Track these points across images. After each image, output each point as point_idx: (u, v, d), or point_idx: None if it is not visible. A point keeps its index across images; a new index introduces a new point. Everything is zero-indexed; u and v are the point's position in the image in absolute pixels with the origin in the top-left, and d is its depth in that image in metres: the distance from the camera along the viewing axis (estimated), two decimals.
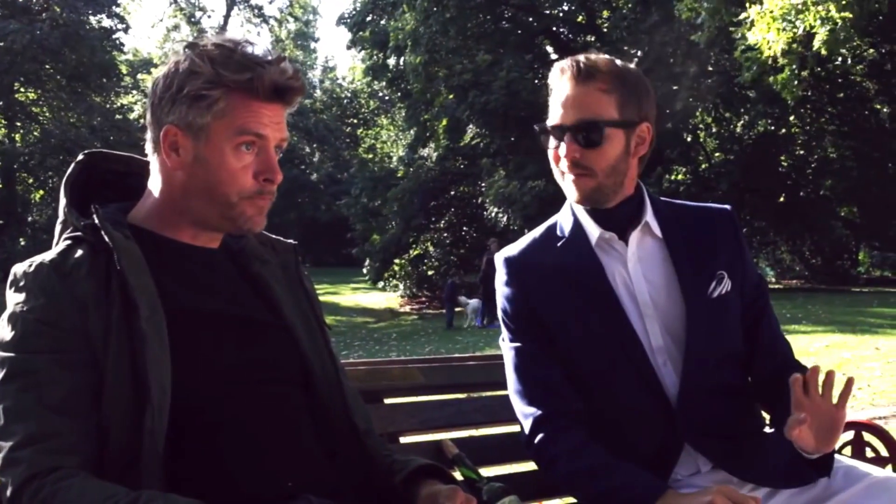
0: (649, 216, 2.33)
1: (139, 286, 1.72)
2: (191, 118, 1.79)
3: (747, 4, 16.39)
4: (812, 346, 12.11)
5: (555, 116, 2.26)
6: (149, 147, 1.88)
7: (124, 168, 2.03)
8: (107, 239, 1.75)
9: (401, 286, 32.60)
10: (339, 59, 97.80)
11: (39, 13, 34.53)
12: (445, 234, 34.63)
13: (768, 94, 23.06)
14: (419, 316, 28.78)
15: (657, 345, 2.28)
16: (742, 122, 30.17)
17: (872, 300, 21.70)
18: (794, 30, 15.46)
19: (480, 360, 2.95)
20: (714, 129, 31.93)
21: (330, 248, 45.46)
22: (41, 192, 36.54)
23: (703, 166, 30.30)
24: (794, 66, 16.71)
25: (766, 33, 15.88)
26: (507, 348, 2.39)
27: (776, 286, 30.00)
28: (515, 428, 2.85)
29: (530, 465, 2.94)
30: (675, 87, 26.24)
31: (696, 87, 26.68)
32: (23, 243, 32.10)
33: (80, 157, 1.98)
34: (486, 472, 2.49)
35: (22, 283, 1.73)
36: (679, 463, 2.27)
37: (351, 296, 36.03)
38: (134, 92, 43.41)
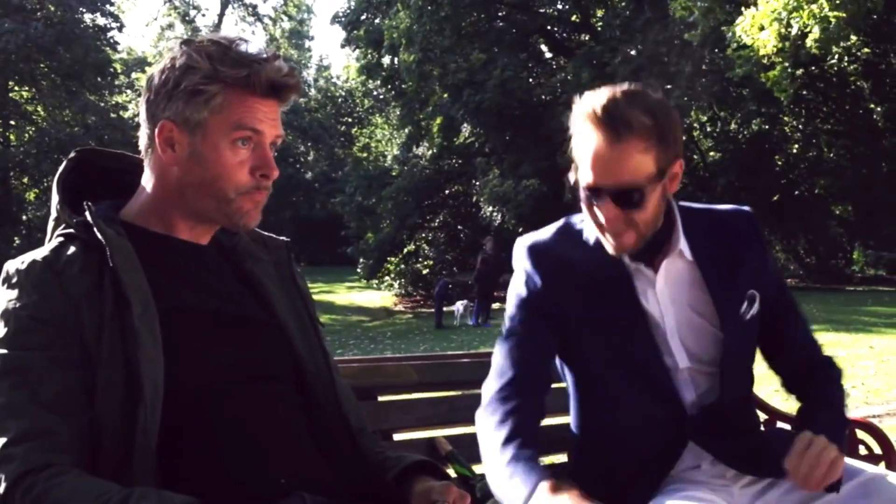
0: (682, 243, 2.25)
1: (132, 283, 1.72)
2: (187, 113, 1.79)
3: (742, 8, 16.43)
4: None
5: (587, 174, 2.12)
6: (142, 143, 1.88)
7: (117, 165, 2.03)
8: (99, 236, 1.75)
9: (395, 285, 32.53)
10: (333, 58, 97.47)
11: (34, 12, 34.45)
12: (440, 233, 34.62)
13: (762, 92, 23.06)
14: (414, 315, 28.75)
15: (683, 366, 2.25)
16: (736, 120, 30.18)
17: (867, 299, 21.73)
18: (789, 28, 15.48)
19: (474, 357, 2.95)
20: (709, 128, 31.95)
21: (324, 247, 45.35)
22: (36, 191, 36.45)
23: (699, 165, 30.31)
24: (786, 65, 16.74)
25: (759, 32, 15.91)
26: (505, 325, 2.30)
27: None
28: None
29: None
30: (668, 86, 26.25)
31: (691, 86, 26.67)
32: (17, 242, 32.03)
33: (73, 154, 1.98)
34: (480, 469, 2.49)
35: (15, 280, 1.73)
36: (681, 458, 2.28)
37: (345, 294, 35.97)
38: (128, 91, 43.35)
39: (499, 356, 2.24)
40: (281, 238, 2.16)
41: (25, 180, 36.46)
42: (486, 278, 22.75)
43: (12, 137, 36.00)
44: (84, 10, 36.38)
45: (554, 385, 2.90)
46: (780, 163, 30.79)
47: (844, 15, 15.07)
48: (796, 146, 31.27)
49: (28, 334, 1.67)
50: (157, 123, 1.82)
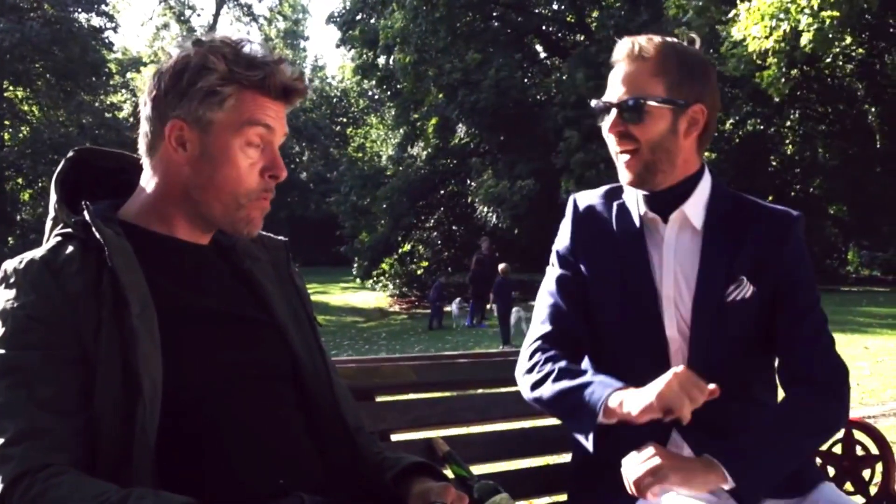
0: (690, 203, 2.32)
1: (130, 283, 1.71)
2: (200, 113, 1.80)
3: (738, 2, 16.45)
4: None
5: (607, 93, 2.31)
6: (144, 141, 1.88)
7: (115, 165, 2.03)
8: (98, 236, 1.74)
9: (390, 285, 32.56)
10: (328, 58, 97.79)
11: (29, 11, 34.40)
12: (435, 234, 34.65)
13: (757, 93, 23.11)
14: (409, 315, 28.76)
15: (671, 335, 2.29)
16: (732, 121, 30.23)
17: (861, 299, 21.79)
18: (780, 23, 15.50)
19: (471, 357, 2.95)
20: None
21: (319, 247, 45.29)
22: (30, 191, 36.40)
23: None
24: (781, 64, 16.76)
25: (750, 28, 15.94)
26: (548, 274, 2.47)
27: None
28: (506, 426, 2.87)
29: (521, 463, 2.95)
30: None
31: None
32: (11, 242, 31.97)
33: (71, 153, 1.98)
34: (477, 469, 2.49)
35: (13, 280, 1.73)
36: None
37: (340, 295, 35.98)
38: (123, 91, 43.32)
39: (537, 308, 2.45)
40: (279, 238, 2.16)
41: (20, 180, 36.39)
42: (482, 279, 22.75)
43: (6, 137, 35.92)
44: (79, 10, 36.34)
45: None
46: (774, 163, 30.88)
47: (838, 14, 15.09)
48: (791, 147, 31.33)
49: (26, 334, 1.67)
50: (166, 122, 1.82)
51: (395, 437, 2.57)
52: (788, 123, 30.80)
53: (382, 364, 2.73)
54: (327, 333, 21.71)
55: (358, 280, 35.03)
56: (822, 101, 30.48)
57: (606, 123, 2.30)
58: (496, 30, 33.32)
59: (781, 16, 15.44)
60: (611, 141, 2.32)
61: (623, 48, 2.29)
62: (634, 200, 2.39)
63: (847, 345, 12.28)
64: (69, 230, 1.81)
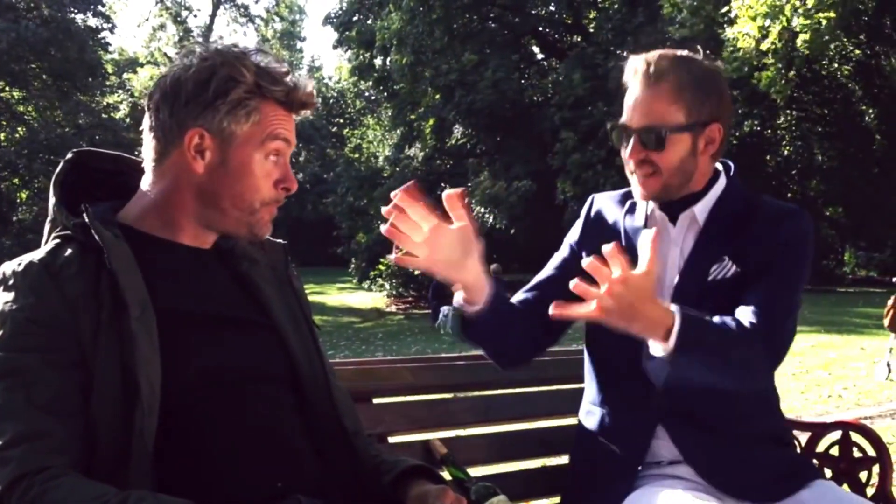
0: (700, 205, 2.34)
1: (129, 286, 1.71)
2: (225, 124, 1.81)
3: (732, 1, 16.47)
4: (798, 346, 12.15)
5: (624, 116, 2.31)
6: (152, 146, 1.87)
7: (114, 167, 2.02)
8: (97, 238, 1.74)
9: (387, 286, 32.54)
10: (325, 59, 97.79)
11: (25, 11, 34.35)
12: None
13: (754, 94, 23.13)
14: (405, 316, 28.76)
15: None
16: None
17: (858, 300, 21.83)
18: (773, 24, 15.52)
19: (469, 359, 2.95)
20: None
21: (316, 247, 45.28)
22: (26, 191, 36.35)
23: None
24: (780, 66, 16.79)
25: (744, 26, 15.96)
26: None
27: None
28: (504, 427, 2.87)
29: (518, 465, 2.95)
30: None
31: None
32: (7, 243, 31.92)
33: (70, 155, 1.97)
34: (475, 472, 2.49)
35: (11, 282, 1.73)
36: (653, 449, 2.28)
37: (337, 295, 35.98)
38: (119, 91, 43.29)
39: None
40: (278, 241, 2.16)
41: (16, 181, 36.35)
42: None
43: (3, 137, 35.86)
44: (76, 11, 36.31)
45: (555, 387, 2.92)
46: (771, 164, 30.87)
47: (833, 16, 15.11)
48: (788, 148, 31.35)
49: (24, 336, 1.67)
50: (186, 129, 1.82)
51: (392, 440, 2.57)
52: (785, 125, 30.81)
53: (379, 366, 2.73)
54: (324, 334, 21.60)
55: (355, 280, 35.03)
56: (819, 102, 30.51)
57: (626, 149, 2.30)
58: (493, 31, 33.34)
59: (774, 15, 15.45)
60: (629, 163, 2.32)
61: (636, 69, 2.28)
62: (645, 202, 2.41)
63: (843, 345, 12.31)
64: (68, 232, 1.81)
